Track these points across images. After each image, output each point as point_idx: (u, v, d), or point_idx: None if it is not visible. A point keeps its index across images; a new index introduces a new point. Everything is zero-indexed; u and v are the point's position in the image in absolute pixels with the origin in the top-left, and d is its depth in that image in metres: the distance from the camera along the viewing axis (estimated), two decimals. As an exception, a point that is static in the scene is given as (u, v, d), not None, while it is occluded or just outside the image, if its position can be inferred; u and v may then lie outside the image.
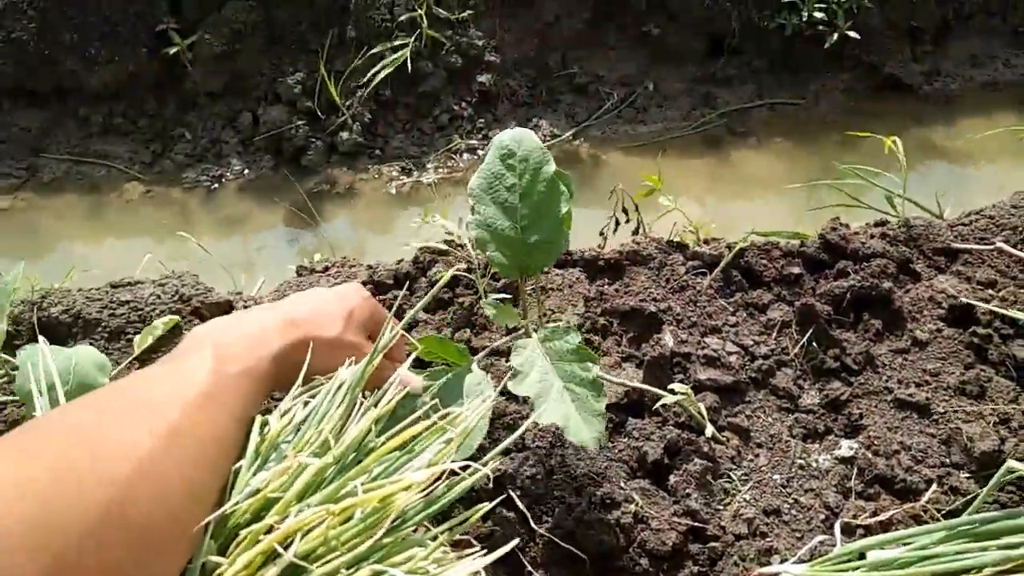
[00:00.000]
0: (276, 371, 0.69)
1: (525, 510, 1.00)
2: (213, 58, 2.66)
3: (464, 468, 0.58)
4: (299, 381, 0.69)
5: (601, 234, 1.67)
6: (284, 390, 0.71)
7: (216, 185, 2.64)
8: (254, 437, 0.62)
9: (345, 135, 2.60)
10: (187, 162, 2.70)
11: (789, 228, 1.59)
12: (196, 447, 0.56)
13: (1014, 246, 1.39)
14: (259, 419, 0.64)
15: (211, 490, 0.57)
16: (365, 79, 2.59)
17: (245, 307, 1.37)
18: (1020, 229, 1.42)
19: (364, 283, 1.36)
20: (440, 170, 2.60)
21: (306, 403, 0.67)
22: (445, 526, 0.63)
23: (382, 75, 2.53)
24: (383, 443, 0.63)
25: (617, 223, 1.65)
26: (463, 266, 1.35)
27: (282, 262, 1.97)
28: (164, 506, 0.51)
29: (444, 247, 1.40)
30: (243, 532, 0.54)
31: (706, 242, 1.43)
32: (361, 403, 0.67)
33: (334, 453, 0.60)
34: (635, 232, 1.63)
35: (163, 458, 0.52)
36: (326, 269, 1.42)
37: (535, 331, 0.97)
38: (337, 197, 2.53)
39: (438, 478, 0.60)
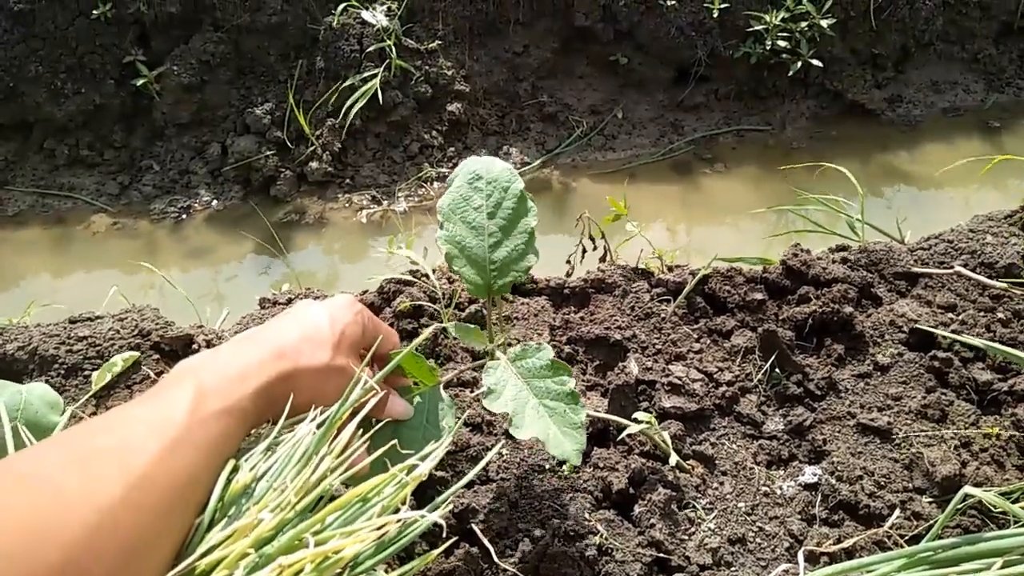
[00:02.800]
0: (258, 408, 0.66)
1: (488, 544, 0.99)
2: (181, 89, 2.65)
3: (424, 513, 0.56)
4: (285, 414, 0.67)
5: (568, 261, 1.68)
6: (274, 422, 0.69)
7: (184, 216, 2.62)
8: (219, 487, 0.60)
9: (315, 165, 2.59)
10: (155, 193, 2.68)
11: (755, 253, 1.60)
12: (166, 493, 0.54)
13: (972, 269, 1.41)
14: (230, 464, 0.62)
15: (177, 537, 0.56)
16: (335, 109, 2.60)
17: (208, 341, 1.35)
18: (978, 253, 1.44)
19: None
20: (411, 199, 2.60)
21: (271, 449, 0.65)
22: (402, 570, 0.62)
23: (355, 108, 2.53)
24: (343, 489, 0.61)
25: (584, 251, 1.66)
26: (424, 295, 1.35)
27: (251, 293, 1.94)
28: (127, 558, 0.50)
29: (410, 277, 1.39)
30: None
31: (670, 269, 1.44)
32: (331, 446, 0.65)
33: (296, 508, 0.58)
34: (602, 259, 1.64)
35: (130, 507, 0.51)
36: (289, 301, 1.41)
37: (504, 352, 0.97)
38: (307, 227, 2.52)
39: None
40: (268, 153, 2.60)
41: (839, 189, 2.05)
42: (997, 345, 1.00)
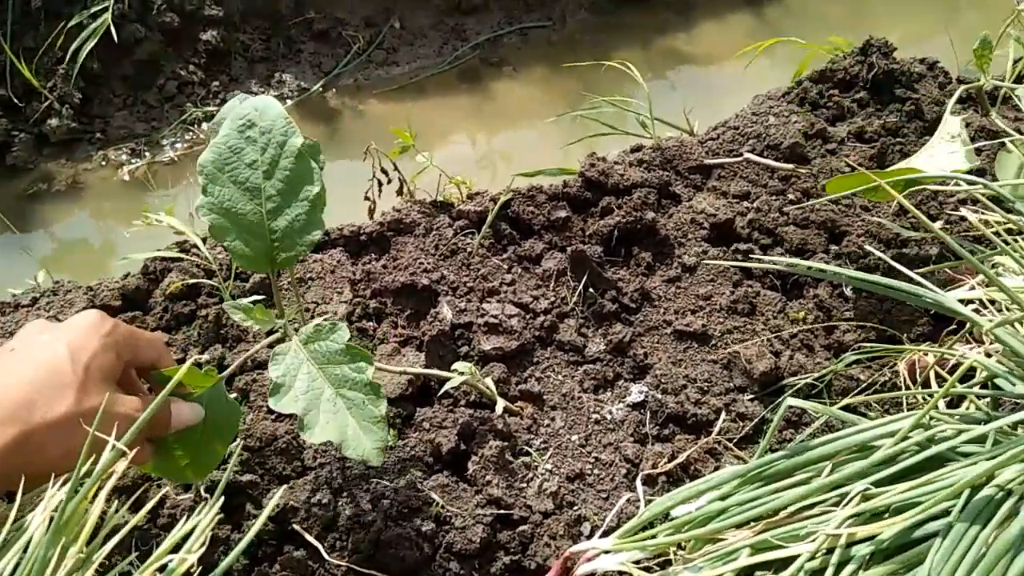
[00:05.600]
0: None
1: (315, 542, 0.90)
2: None
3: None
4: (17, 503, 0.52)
5: (367, 198, 1.55)
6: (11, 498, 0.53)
7: (-102, 203, 2.18)
8: None
9: (54, 122, 2.22)
10: None
11: (555, 162, 1.54)
12: None
13: (760, 154, 1.43)
14: None
15: None
16: (65, 53, 2.22)
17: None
18: (763, 136, 1.46)
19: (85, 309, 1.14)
20: (178, 146, 2.31)
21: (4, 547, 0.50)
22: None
23: (85, 48, 2.17)
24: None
25: (380, 185, 1.53)
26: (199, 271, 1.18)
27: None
28: None
29: (177, 253, 1.21)
30: None
31: (471, 197, 1.35)
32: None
33: None
34: (399, 192, 1.52)
35: None
36: (34, 302, 1.18)
37: (296, 331, 0.84)
38: (59, 196, 2.18)
39: None
40: (-8, 115, 2.20)
41: (626, 80, 2.03)
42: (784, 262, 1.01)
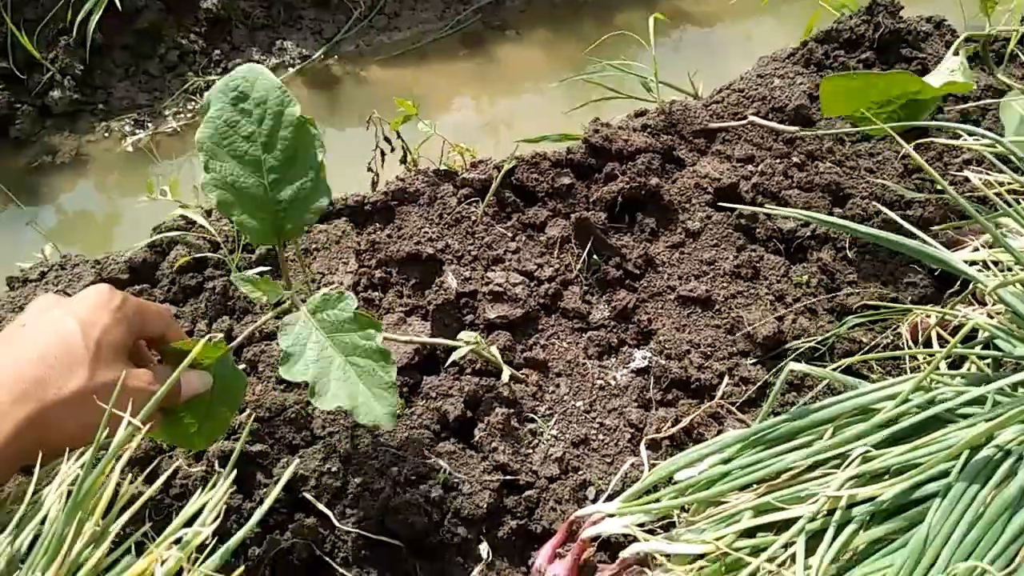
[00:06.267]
0: (1, 470, 0.53)
1: (325, 509, 0.91)
2: None
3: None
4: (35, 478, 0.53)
5: (369, 168, 1.55)
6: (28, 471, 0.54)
7: (-96, 177, 2.19)
8: None
9: (57, 93, 2.22)
10: None
11: (558, 126, 1.54)
12: None
13: (765, 116, 1.42)
14: None
15: None
16: (67, 25, 2.21)
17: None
18: (768, 98, 1.45)
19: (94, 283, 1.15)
20: (181, 116, 2.30)
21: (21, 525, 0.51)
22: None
23: (93, 19, 2.16)
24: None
25: (383, 154, 1.53)
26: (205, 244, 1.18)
27: (3, 263, 1.66)
28: None
29: (183, 224, 1.21)
30: None
31: (474, 165, 1.35)
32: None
33: None
34: (402, 160, 1.51)
35: None
36: (42, 276, 1.20)
37: (303, 302, 0.85)
38: (63, 168, 2.18)
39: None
40: (-6, 88, 2.20)
41: (631, 43, 2.00)
42: (786, 211, 1.00)
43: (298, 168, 0.83)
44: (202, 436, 0.82)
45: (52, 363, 0.58)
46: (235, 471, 0.64)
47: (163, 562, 0.46)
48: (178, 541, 0.49)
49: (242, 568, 0.47)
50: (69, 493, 0.51)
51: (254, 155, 0.82)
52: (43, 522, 0.49)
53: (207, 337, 0.76)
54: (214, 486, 0.51)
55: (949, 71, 1.20)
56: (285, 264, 0.92)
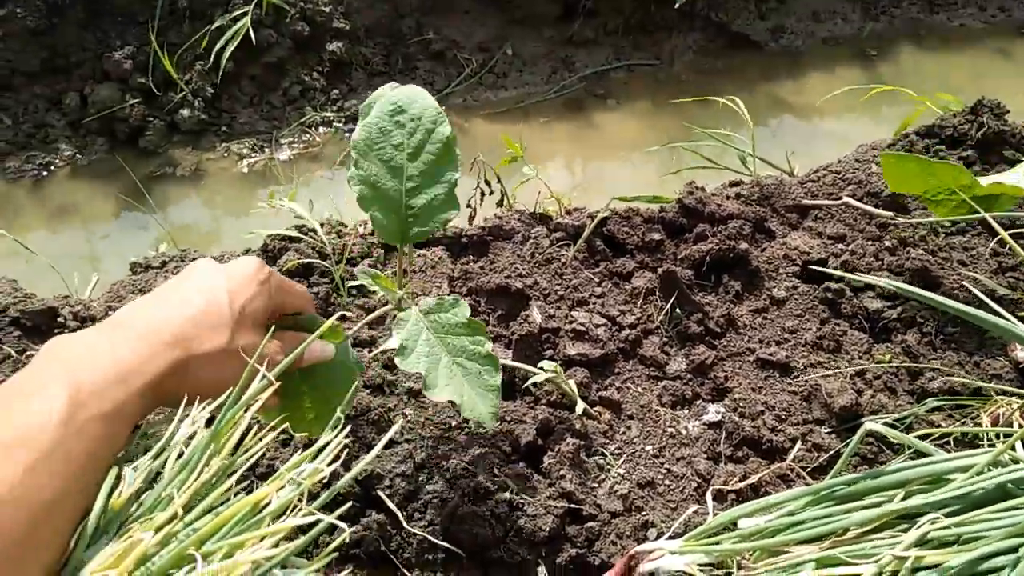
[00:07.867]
0: (145, 407, 0.58)
1: (396, 510, 0.95)
2: (27, 33, 2.38)
3: (314, 524, 0.50)
4: (180, 413, 0.59)
5: (468, 205, 1.62)
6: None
7: (44, 173, 2.39)
8: (100, 499, 0.52)
9: (186, 112, 2.40)
10: (8, 150, 2.42)
11: (651, 190, 1.59)
12: (24, 516, 0.47)
13: (860, 199, 1.44)
14: (113, 472, 0.54)
15: (43, 558, 0.48)
16: (203, 51, 2.41)
17: (75, 313, 1.23)
18: (864, 183, 1.47)
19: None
20: (295, 146, 2.46)
21: (162, 451, 0.57)
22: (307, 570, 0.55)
23: (228, 50, 2.35)
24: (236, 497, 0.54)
25: (483, 195, 1.61)
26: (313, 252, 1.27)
27: (123, 256, 1.79)
28: None
29: (296, 233, 1.30)
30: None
31: (569, 212, 1.41)
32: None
33: (184, 520, 0.51)
34: (499, 203, 1.59)
35: None
36: (163, 264, 1.30)
37: (414, 304, 0.91)
38: (182, 180, 2.35)
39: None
40: (133, 101, 2.39)
41: (727, 121, 2.06)
42: (872, 278, 1.02)
43: (435, 180, 0.89)
44: (319, 422, 0.86)
45: (202, 320, 0.65)
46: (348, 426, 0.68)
47: (280, 489, 0.51)
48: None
49: (338, 540, 0.52)
50: (213, 419, 0.57)
51: (399, 162, 0.89)
52: (180, 455, 0.54)
53: (337, 315, 0.83)
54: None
55: (1017, 175, 1.20)
56: (401, 267, 0.98)
